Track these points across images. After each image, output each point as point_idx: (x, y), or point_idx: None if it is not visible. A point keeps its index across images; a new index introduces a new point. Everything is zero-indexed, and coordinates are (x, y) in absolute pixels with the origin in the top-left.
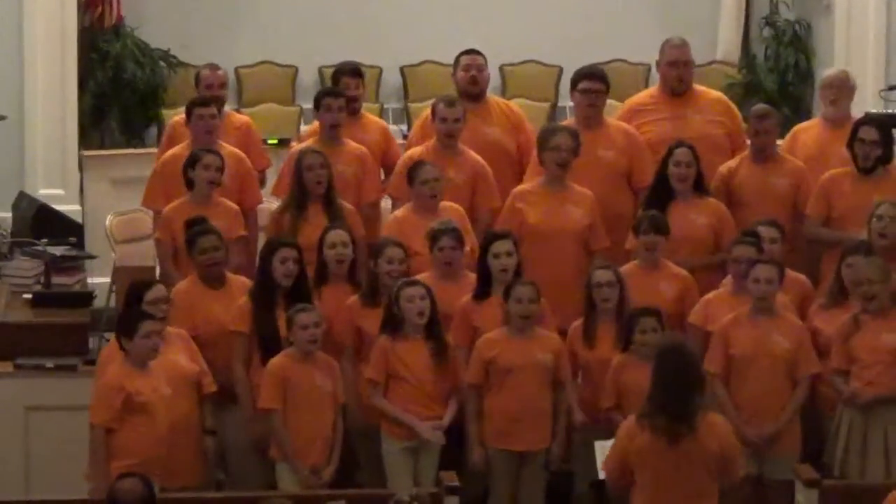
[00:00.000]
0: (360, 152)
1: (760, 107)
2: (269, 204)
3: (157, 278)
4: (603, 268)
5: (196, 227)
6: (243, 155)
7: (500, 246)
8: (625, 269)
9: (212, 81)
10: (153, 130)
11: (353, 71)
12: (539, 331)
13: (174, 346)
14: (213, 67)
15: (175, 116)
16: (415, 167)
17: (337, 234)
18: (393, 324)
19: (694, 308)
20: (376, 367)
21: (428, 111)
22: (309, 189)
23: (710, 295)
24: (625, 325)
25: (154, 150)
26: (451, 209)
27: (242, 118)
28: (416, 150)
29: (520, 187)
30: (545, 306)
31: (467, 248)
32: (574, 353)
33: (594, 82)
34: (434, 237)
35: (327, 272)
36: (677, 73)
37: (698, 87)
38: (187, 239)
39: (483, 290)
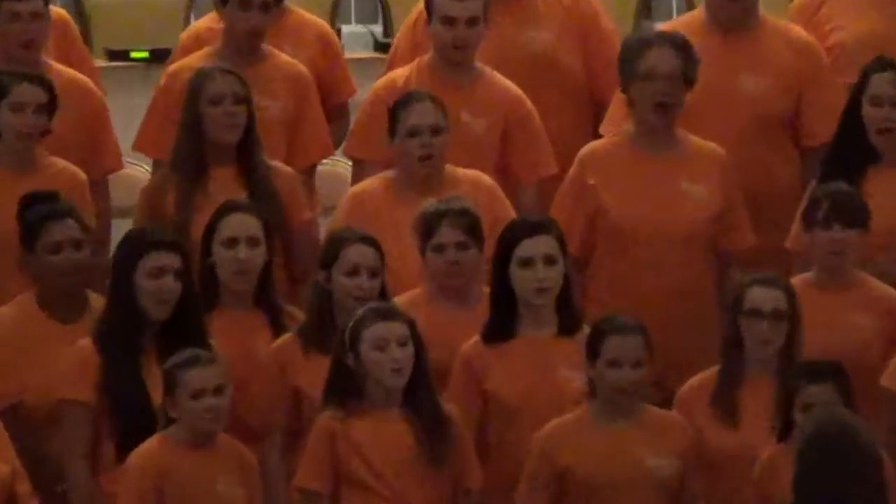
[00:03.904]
0: (297, 74)
1: None
2: (135, 169)
3: None
4: (764, 283)
5: (42, 206)
6: (90, 84)
7: (535, 246)
8: None
9: None
10: None
11: None
12: (651, 412)
13: None
14: None
15: None
16: (400, 104)
17: (240, 221)
18: (346, 386)
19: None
20: (316, 465)
21: (421, 5)
22: (214, 139)
23: None
24: (782, 395)
25: None
26: (471, 181)
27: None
28: (398, 74)
29: (591, 146)
30: None
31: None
32: (697, 433)
33: None
34: (427, 226)
35: (218, 288)
36: None
37: None
38: (25, 227)
39: (502, 325)
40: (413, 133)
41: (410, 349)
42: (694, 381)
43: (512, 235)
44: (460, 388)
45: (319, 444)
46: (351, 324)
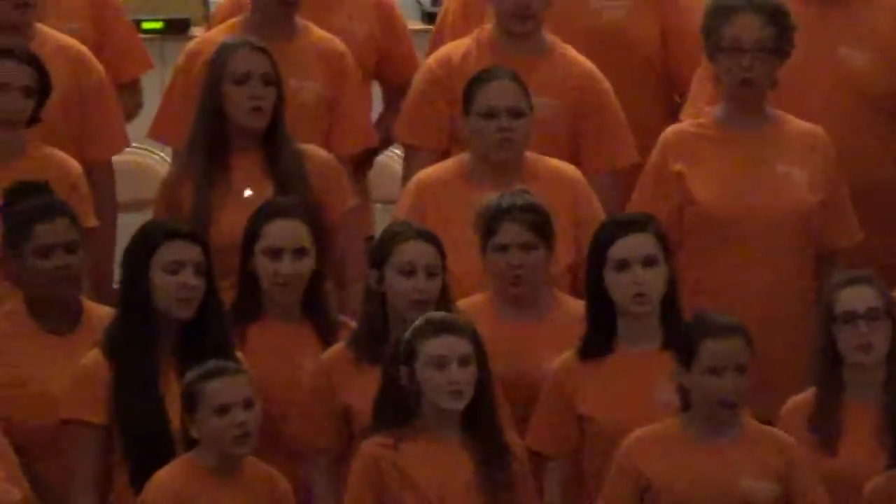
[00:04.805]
0: (335, 52)
1: None
2: (138, 154)
3: None
4: (855, 282)
5: (30, 202)
6: (84, 51)
7: (631, 246)
8: None
9: None
10: None
11: None
12: (752, 427)
13: None
14: None
15: None
16: (476, 80)
17: (286, 229)
18: (397, 405)
19: None
20: (359, 500)
21: None
22: (236, 123)
23: None
24: (891, 413)
25: None
26: (554, 174)
27: None
28: (454, 48)
29: (675, 129)
30: None
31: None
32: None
33: None
34: (488, 224)
35: (261, 296)
36: None
37: None
38: (9, 227)
39: (598, 339)
40: (490, 114)
41: (473, 369)
42: (795, 400)
43: (605, 236)
44: (550, 411)
45: (364, 475)
46: (407, 335)
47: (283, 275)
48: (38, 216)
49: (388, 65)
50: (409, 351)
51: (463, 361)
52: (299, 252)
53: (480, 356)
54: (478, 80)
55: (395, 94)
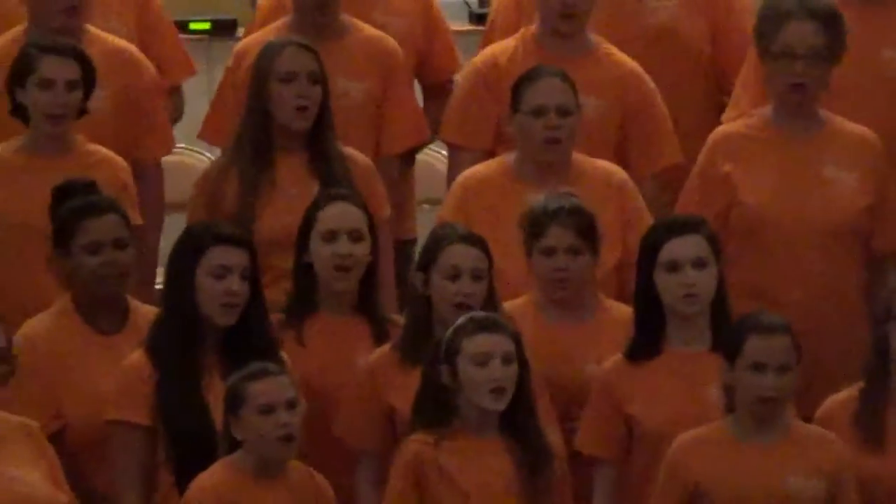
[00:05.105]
0: (385, 50)
1: None
2: (186, 155)
3: None
4: None
5: (78, 199)
6: (135, 55)
7: (682, 248)
8: None
9: None
10: None
11: None
12: (797, 426)
13: (11, 450)
14: None
15: None
16: (525, 79)
17: (342, 212)
18: (438, 404)
19: None
20: (400, 499)
21: None
22: (282, 122)
23: None
24: None
25: None
26: (601, 174)
27: None
28: (500, 47)
29: (724, 129)
30: None
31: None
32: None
33: None
34: (534, 226)
35: (316, 291)
36: None
37: None
38: (60, 223)
39: (649, 340)
40: (538, 113)
41: (514, 368)
42: (836, 398)
43: (656, 237)
44: (599, 414)
45: (405, 472)
46: (449, 333)
47: (340, 255)
48: (87, 212)
49: (427, 62)
50: (452, 348)
51: (506, 359)
52: (356, 235)
53: (521, 356)
54: (527, 79)
55: (434, 91)
